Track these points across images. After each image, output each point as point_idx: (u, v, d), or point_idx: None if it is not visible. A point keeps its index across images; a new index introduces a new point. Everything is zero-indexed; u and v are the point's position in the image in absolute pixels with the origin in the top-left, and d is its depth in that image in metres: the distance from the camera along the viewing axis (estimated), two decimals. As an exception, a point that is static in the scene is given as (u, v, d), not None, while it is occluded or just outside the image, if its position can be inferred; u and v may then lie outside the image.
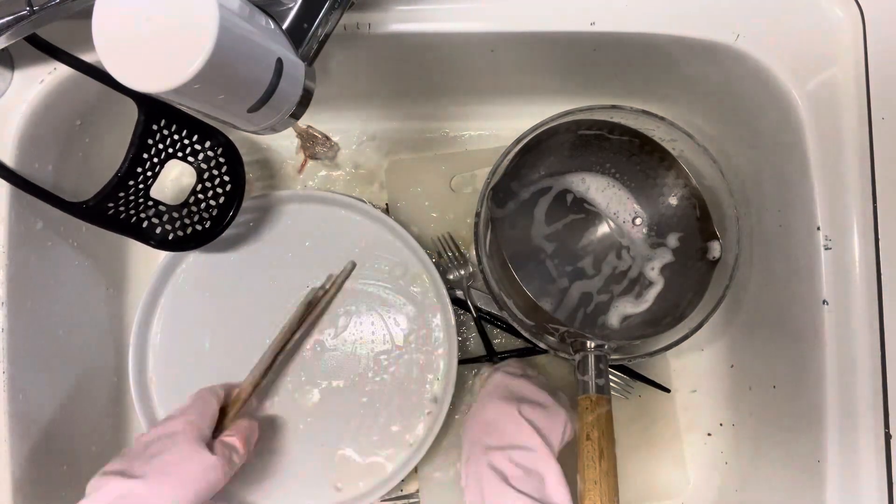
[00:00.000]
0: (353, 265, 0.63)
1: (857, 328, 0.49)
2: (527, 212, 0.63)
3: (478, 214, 0.58)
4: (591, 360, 0.52)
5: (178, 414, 0.52)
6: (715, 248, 0.57)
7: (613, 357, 0.55)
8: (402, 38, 0.53)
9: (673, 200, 0.61)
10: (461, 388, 0.64)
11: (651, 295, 0.62)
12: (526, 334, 0.59)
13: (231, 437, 0.52)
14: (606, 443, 0.49)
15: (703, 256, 0.59)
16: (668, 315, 0.58)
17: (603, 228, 0.64)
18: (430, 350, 0.62)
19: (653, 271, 0.62)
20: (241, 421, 0.55)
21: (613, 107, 0.56)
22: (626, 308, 0.62)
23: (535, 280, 0.62)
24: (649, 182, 0.63)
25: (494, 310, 0.64)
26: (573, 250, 0.63)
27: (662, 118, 0.57)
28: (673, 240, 0.62)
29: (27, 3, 0.41)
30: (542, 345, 0.59)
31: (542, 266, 0.62)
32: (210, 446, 0.50)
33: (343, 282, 0.63)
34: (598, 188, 0.64)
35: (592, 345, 0.52)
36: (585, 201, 0.64)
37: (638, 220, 0.64)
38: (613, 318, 0.62)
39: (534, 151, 0.58)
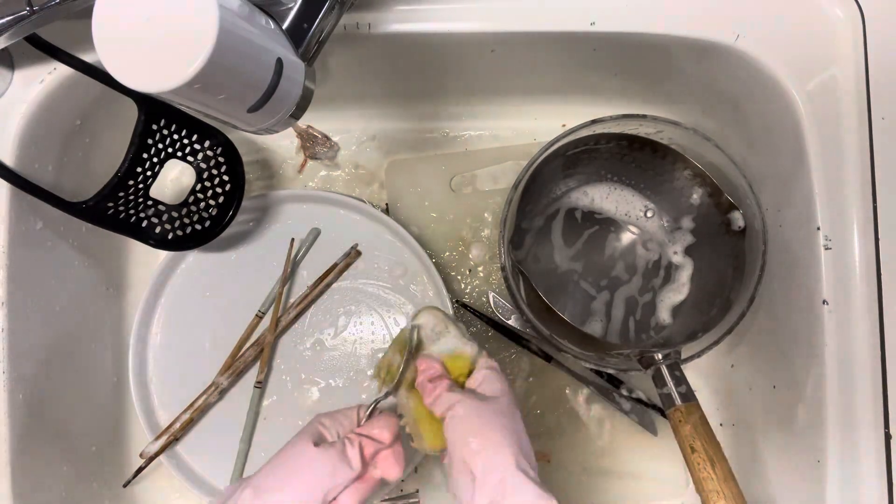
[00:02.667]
0: (359, 253, 0.63)
1: (857, 328, 0.49)
2: (545, 242, 0.63)
3: (503, 268, 0.58)
4: (665, 371, 0.50)
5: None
6: (737, 218, 0.57)
7: (684, 358, 0.53)
8: (402, 38, 0.53)
9: (677, 184, 0.61)
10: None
11: (684, 277, 0.62)
12: (591, 365, 0.59)
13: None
14: (713, 449, 0.46)
15: (728, 230, 0.58)
16: (717, 295, 0.58)
17: (620, 231, 0.64)
18: (430, 350, 0.62)
19: (676, 255, 0.63)
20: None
21: (594, 121, 0.57)
22: (670, 298, 0.62)
23: (578, 304, 0.62)
24: (648, 174, 0.63)
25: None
26: (601, 262, 0.63)
27: (643, 116, 0.57)
28: (688, 221, 0.62)
29: (27, 3, 0.41)
30: (610, 370, 0.59)
31: (579, 288, 0.63)
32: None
33: (351, 263, 0.63)
34: (601, 196, 0.64)
35: (660, 356, 0.51)
36: (594, 212, 0.64)
37: (650, 213, 0.64)
38: (663, 313, 0.62)
39: (531, 187, 0.59)
